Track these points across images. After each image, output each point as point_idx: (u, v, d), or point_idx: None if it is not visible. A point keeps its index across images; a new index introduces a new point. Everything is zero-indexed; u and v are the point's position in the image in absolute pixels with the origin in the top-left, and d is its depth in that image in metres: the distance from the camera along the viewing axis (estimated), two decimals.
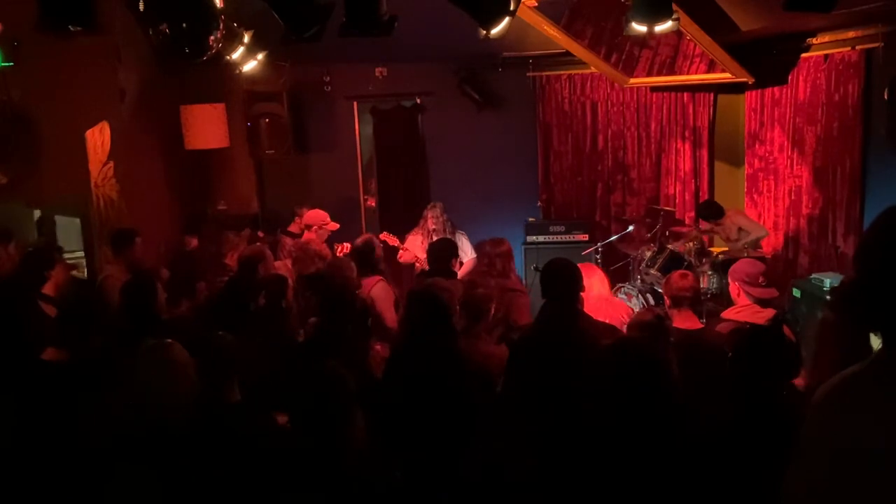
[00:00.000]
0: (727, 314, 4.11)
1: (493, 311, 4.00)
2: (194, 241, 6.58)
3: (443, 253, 5.03)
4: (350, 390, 2.59)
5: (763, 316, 3.85)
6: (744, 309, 3.99)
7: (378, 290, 4.87)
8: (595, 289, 4.47)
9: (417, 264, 6.42)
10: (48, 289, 4.56)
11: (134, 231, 5.35)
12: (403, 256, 6.58)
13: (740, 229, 6.99)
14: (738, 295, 4.06)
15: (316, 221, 6.15)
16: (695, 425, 2.66)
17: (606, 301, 4.44)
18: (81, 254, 5.73)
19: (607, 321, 4.02)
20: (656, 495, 2.44)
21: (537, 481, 3.00)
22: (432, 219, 7.35)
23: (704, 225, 7.35)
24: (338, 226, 6.16)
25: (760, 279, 3.99)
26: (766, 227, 7.34)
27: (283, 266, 5.57)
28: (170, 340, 2.84)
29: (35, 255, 4.83)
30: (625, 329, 3.88)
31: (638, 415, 2.48)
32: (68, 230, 5.92)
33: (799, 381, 3.06)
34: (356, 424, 2.58)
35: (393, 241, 6.55)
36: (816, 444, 1.54)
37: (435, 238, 6.55)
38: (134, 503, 2.42)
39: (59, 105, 5.75)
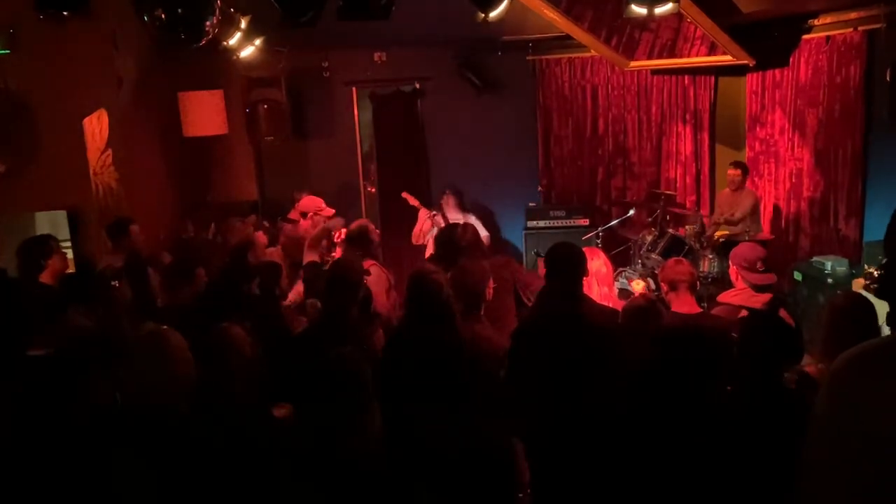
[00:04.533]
0: (723, 297, 4.10)
1: (490, 291, 3.98)
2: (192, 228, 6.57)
3: (451, 239, 4.93)
4: (366, 380, 2.49)
5: (759, 300, 3.83)
6: (740, 293, 3.97)
7: (370, 275, 4.83)
8: (599, 270, 4.41)
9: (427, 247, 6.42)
10: (45, 277, 4.56)
11: (129, 219, 5.33)
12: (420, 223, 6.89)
13: (736, 213, 6.98)
14: (737, 278, 4.05)
15: (310, 208, 6.11)
16: (693, 410, 2.66)
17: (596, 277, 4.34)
18: (69, 243, 5.67)
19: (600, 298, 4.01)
20: (664, 480, 2.45)
21: (544, 463, 3.00)
22: (452, 208, 7.20)
23: (733, 172, 7.17)
24: (333, 211, 6.11)
25: (759, 265, 3.97)
26: (762, 226, 7.27)
27: (278, 253, 5.56)
28: (165, 327, 2.81)
29: (33, 243, 4.82)
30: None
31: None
32: (55, 218, 5.82)
33: (811, 369, 3.05)
34: (372, 418, 2.48)
35: (414, 201, 6.89)
36: (831, 419, 1.43)
37: None
38: (129, 493, 2.41)
39: (56, 93, 5.72)
